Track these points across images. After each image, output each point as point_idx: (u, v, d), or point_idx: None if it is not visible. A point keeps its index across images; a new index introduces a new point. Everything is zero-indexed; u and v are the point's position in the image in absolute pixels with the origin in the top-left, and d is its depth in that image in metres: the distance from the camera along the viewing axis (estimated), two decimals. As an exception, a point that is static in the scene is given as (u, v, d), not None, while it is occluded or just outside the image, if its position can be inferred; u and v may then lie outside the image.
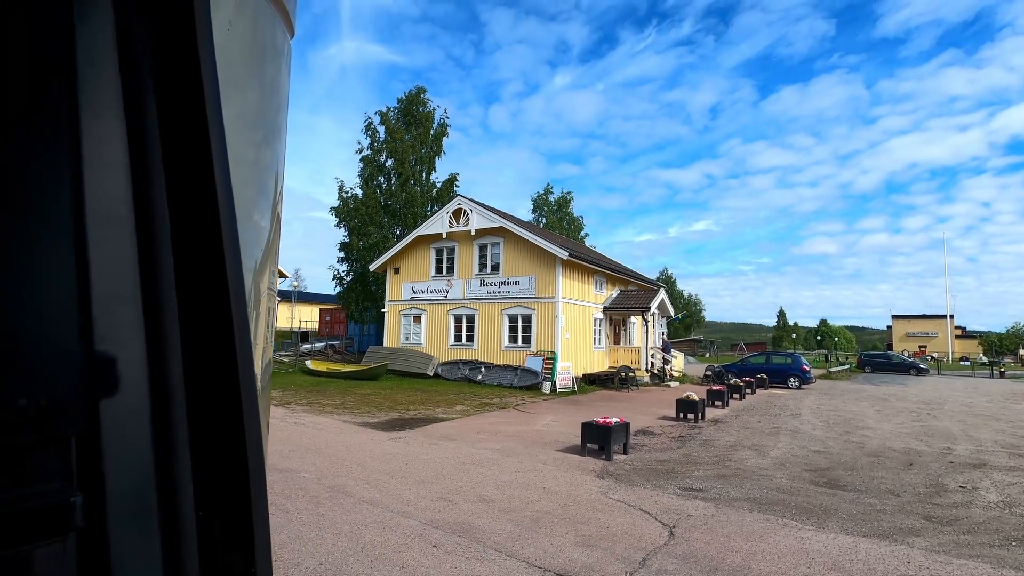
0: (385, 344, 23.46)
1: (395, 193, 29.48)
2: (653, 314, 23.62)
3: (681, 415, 13.00)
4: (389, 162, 30.09)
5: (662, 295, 24.28)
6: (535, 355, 19.35)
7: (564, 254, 19.24)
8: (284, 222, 0.94)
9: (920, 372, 37.64)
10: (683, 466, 8.17)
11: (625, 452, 8.86)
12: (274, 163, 0.83)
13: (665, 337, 25.52)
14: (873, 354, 45.61)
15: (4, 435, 0.46)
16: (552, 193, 49.40)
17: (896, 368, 38.74)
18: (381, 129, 30.43)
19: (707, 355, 65.05)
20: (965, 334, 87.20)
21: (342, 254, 30.46)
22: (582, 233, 48.61)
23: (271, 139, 0.82)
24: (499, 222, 20.60)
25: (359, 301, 29.55)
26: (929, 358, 56.87)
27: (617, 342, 25.00)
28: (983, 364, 51.30)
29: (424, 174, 30.65)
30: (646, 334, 23.71)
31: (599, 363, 22.67)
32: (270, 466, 6.88)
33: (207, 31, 0.56)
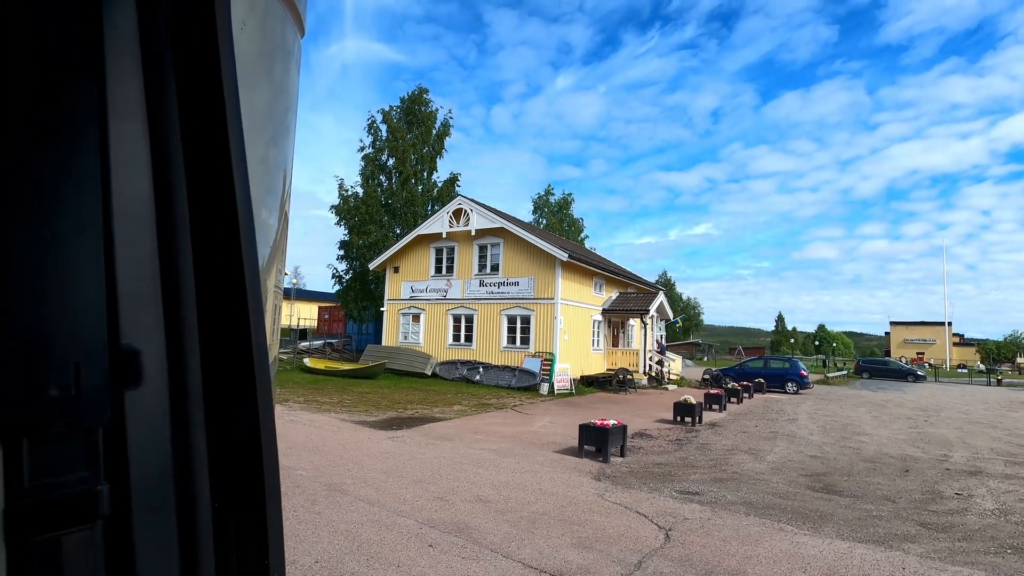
0: (383, 343, 23.45)
1: (396, 192, 29.47)
2: (652, 317, 23.64)
3: (678, 418, 13.01)
4: (390, 161, 30.09)
5: (661, 298, 24.30)
6: (533, 356, 19.35)
7: (564, 255, 19.25)
8: (285, 219, 0.95)
9: (918, 379, 37.67)
10: (680, 469, 8.18)
11: (622, 454, 8.86)
12: (282, 162, 0.84)
13: (660, 339, 25.48)
14: (871, 360, 45.65)
15: (37, 425, 0.47)
16: (553, 194, 49.42)
17: (894, 374, 38.77)
18: (383, 128, 30.44)
19: (705, 359, 65.07)
20: (963, 341, 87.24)
21: (342, 252, 30.44)
22: (582, 235, 48.62)
23: (280, 138, 0.82)
24: (499, 222, 20.60)
25: (358, 299, 29.53)
26: (927, 365, 56.91)
27: (615, 344, 25.01)
28: (980, 372, 51.35)
29: (425, 173, 30.65)
30: (645, 337, 23.72)
31: (597, 365, 22.67)
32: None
33: (227, 34, 0.57)
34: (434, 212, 24.86)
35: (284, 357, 24.07)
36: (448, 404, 14.08)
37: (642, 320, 23.33)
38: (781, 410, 16.97)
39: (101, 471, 0.52)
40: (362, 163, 30.52)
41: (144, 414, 0.55)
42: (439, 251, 22.62)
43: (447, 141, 31.58)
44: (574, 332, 20.73)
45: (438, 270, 22.60)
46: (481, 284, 21.33)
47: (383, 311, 24.05)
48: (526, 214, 51.30)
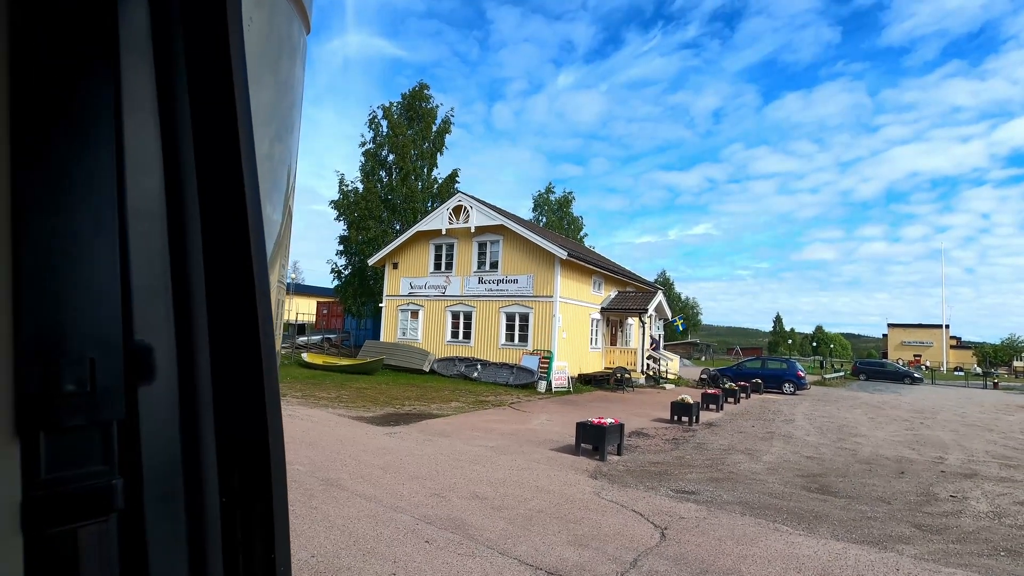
0: (382, 339, 23.46)
1: (396, 188, 29.44)
2: (650, 316, 23.67)
3: (676, 418, 13.04)
4: (391, 157, 30.04)
5: (659, 297, 24.32)
6: (531, 354, 19.37)
7: (563, 254, 19.25)
8: (285, 212, 0.95)
9: (914, 381, 37.75)
10: (676, 468, 8.20)
11: (619, 453, 8.88)
12: (287, 158, 0.84)
13: (654, 336, 25.46)
14: (868, 362, 45.73)
15: (54, 419, 0.48)
16: (553, 192, 49.41)
17: (891, 376, 38.86)
18: (384, 123, 30.39)
19: (703, 358, 65.17)
20: (960, 344, 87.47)
21: (341, 247, 30.41)
22: (581, 233, 48.62)
23: (284, 135, 0.83)
24: (499, 220, 20.60)
25: (357, 295, 29.51)
26: (924, 367, 57.04)
27: (614, 343, 25.03)
28: (977, 375, 51.49)
29: (425, 170, 30.62)
30: (643, 336, 23.75)
31: (595, 364, 22.70)
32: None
33: (238, 31, 0.58)
34: (434, 208, 24.84)
35: (283, 352, 24.01)
36: (446, 401, 14.10)
37: (640, 319, 23.35)
38: (778, 411, 17.01)
39: (116, 465, 0.53)
40: (362, 158, 30.48)
41: (156, 409, 0.55)
42: (438, 248, 22.61)
43: (447, 138, 31.56)
44: (572, 330, 20.75)
45: (437, 267, 22.60)
46: (480, 281, 21.33)
47: (382, 307, 24.06)
48: (526, 212, 51.26)
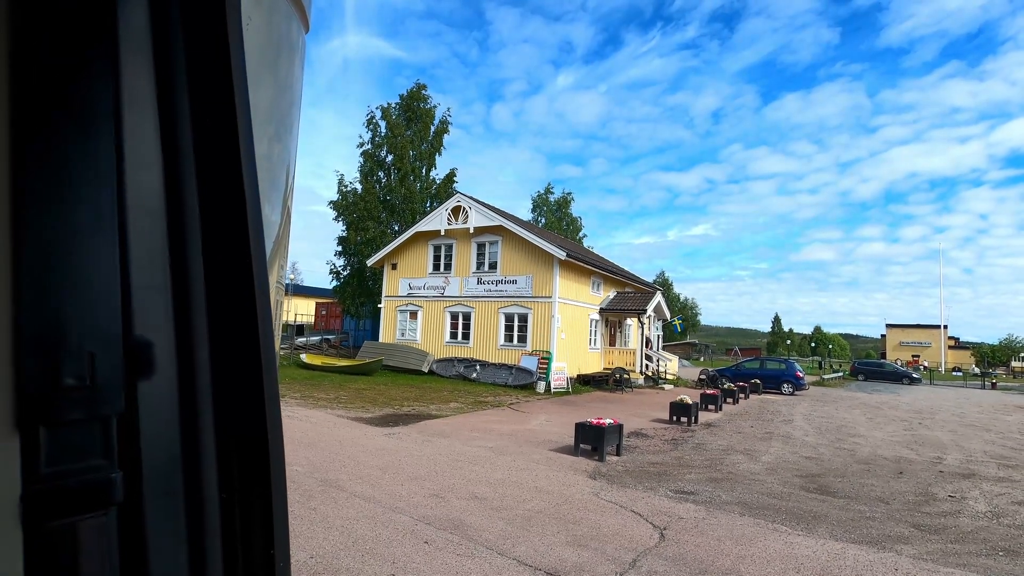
0: (381, 340, 23.44)
1: (394, 188, 29.43)
2: (649, 317, 23.68)
3: (674, 418, 13.04)
4: (389, 157, 30.04)
5: (658, 298, 24.33)
6: (530, 354, 19.37)
7: (562, 254, 19.26)
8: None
9: (913, 381, 37.81)
10: (675, 469, 8.20)
11: (618, 453, 8.88)
12: (286, 158, 0.84)
13: (649, 337, 25.44)
14: (867, 362, 45.79)
15: (54, 413, 0.48)
16: (552, 193, 49.41)
17: (889, 377, 38.90)
18: (383, 124, 30.39)
19: (702, 359, 65.20)
20: (958, 345, 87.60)
21: (340, 248, 30.41)
22: (580, 234, 48.63)
23: (283, 135, 0.83)
24: (498, 220, 20.60)
25: (355, 296, 29.49)
26: (922, 368, 57.11)
27: (613, 344, 25.04)
28: (975, 375, 51.57)
29: (424, 170, 30.62)
30: (642, 336, 23.76)
31: (594, 364, 22.71)
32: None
33: (237, 30, 0.58)
34: (432, 209, 24.84)
35: (281, 352, 24.03)
36: (445, 401, 14.09)
37: (639, 320, 23.36)
38: (777, 411, 17.02)
39: (115, 459, 0.53)
40: (361, 159, 30.47)
41: (155, 405, 0.56)
42: (437, 248, 22.61)
43: (446, 138, 31.56)
44: (571, 331, 20.75)
45: (436, 267, 22.59)
46: (479, 282, 21.33)
47: (380, 308, 24.04)
48: (525, 212, 51.31)
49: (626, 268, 31.69)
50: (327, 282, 32.81)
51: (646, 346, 24.98)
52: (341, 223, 29.81)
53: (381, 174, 30.19)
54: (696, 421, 13.03)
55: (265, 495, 0.62)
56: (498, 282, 20.89)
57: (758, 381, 23.32)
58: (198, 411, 0.59)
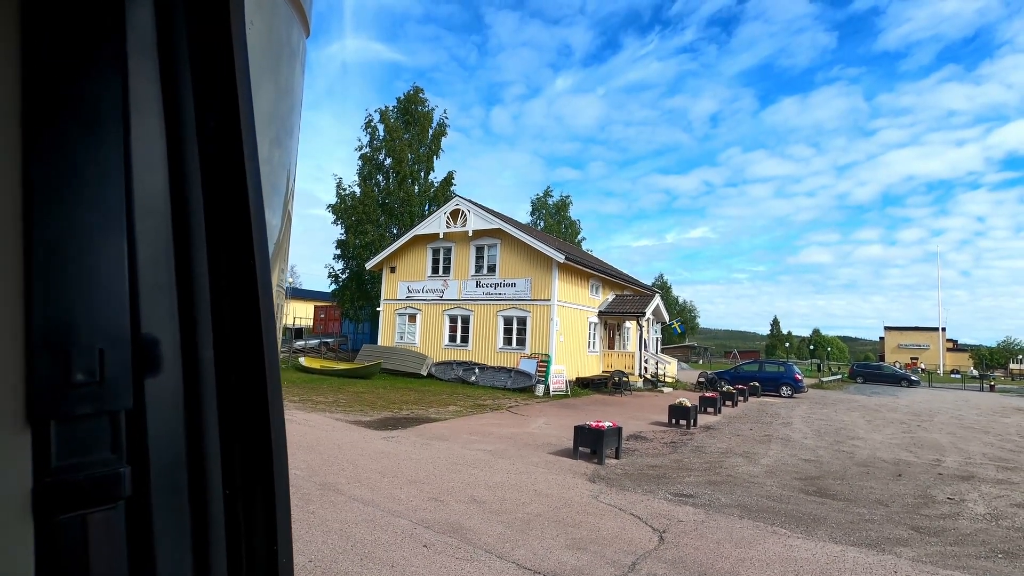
0: (379, 343, 23.41)
1: (393, 191, 29.46)
2: (648, 319, 23.69)
3: (673, 421, 13.04)
4: (388, 160, 30.08)
5: (657, 301, 24.35)
6: (529, 357, 19.36)
7: (561, 257, 19.27)
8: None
9: (911, 384, 37.82)
10: (674, 471, 8.20)
11: (617, 456, 8.88)
12: (286, 162, 0.84)
13: (646, 339, 25.43)
14: (865, 365, 45.83)
15: (64, 408, 0.50)
16: (551, 196, 49.51)
17: (887, 379, 38.92)
18: (381, 127, 30.42)
19: (700, 362, 65.22)
20: (956, 347, 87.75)
21: (338, 251, 30.41)
22: (579, 237, 48.69)
23: (284, 138, 0.83)
24: (496, 223, 20.61)
25: (354, 299, 29.49)
26: (920, 370, 57.19)
27: (611, 346, 25.04)
28: (973, 377, 51.63)
29: (422, 173, 30.66)
30: (640, 339, 23.76)
31: (593, 367, 22.70)
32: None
33: (241, 33, 0.58)
34: (431, 212, 24.85)
35: (280, 356, 23.97)
36: (443, 405, 14.07)
37: (638, 322, 23.37)
38: (776, 414, 17.02)
39: (124, 454, 0.54)
40: (359, 162, 30.52)
41: (161, 401, 0.57)
42: (436, 251, 22.61)
43: (444, 141, 31.61)
44: (570, 334, 20.75)
45: (435, 270, 22.59)
46: (478, 285, 21.33)
47: (379, 311, 24.03)
48: (524, 215, 51.48)
49: (625, 271, 31.74)
50: (326, 285, 32.80)
51: (644, 349, 24.99)
52: (340, 226, 29.84)
53: (380, 177, 30.23)
54: (695, 424, 13.02)
55: (268, 492, 0.63)
56: (497, 285, 20.89)
57: (757, 384, 23.33)
58: (203, 408, 0.60)
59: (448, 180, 31.17)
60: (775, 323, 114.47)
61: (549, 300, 19.65)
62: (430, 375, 20.59)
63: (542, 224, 47.10)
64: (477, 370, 19.76)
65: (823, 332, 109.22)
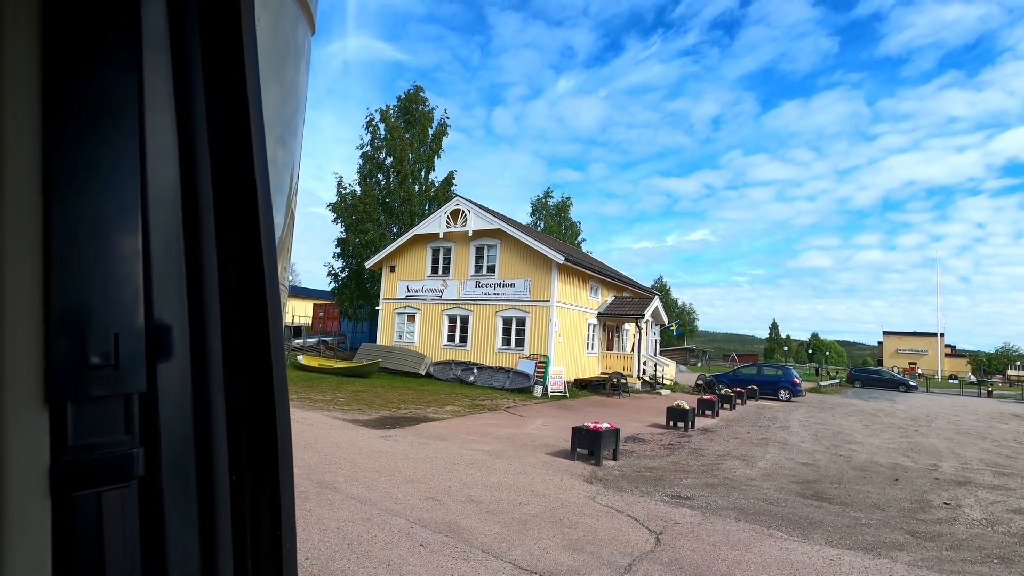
0: (378, 342, 23.40)
1: (393, 191, 29.45)
2: (647, 321, 23.69)
3: (671, 423, 13.04)
4: (388, 160, 30.07)
5: (656, 303, 24.36)
6: (528, 358, 19.36)
7: (560, 258, 19.28)
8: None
9: (909, 389, 37.85)
10: (672, 474, 8.20)
11: (615, 458, 8.88)
12: (290, 161, 0.85)
13: (647, 340, 25.44)
14: (863, 369, 45.84)
15: (80, 390, 0.52)
16: (552, 197, 49.52)
17: (886, 384, 38.95)
18: (382, 126, 30.42)
19: (699, 364, 65.21)
20: (955, 352, 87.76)
21: (338, 250, 30.40)
22: (579, 238, 48.72)
23: (288, 138, 0.84)
24: (497, 224, 20.62)
25: (353, 298, 29.48)
26: (918, 375, 57.22)
27: (610, 348, 25.05)
28: (971, 383, 51.67)
29: (423, 173, 30.66)
30: (639, 341, 23.77)
31: (591, 368, 22.70)
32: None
33: (251, 32, 0.60)
34: (431, 212, 24.84)
35: (278, 354, 23.94)
36: (441, 404, 14.07)
37: (637, 324, 23.38)
38: (773, 417, 17.03)
39: (137, 435, 0.56)
40: (360, 161, 30.51)
41: (172, 387, 0.59)
42: (436, 251, 22.61)
43: (445, 141, 31.62)
44: (569, 335, 20.76)
45: (434, 270, 22.59)
46: (477, 285, 21.33)
47: (378, 310, 24.02)
48: (525, 216, 51.44)
49: (624, 273, 31.76)
50: (325, 284, 32.84)
51: (643, 350, 24.99)
52: (340, 225, 29.83)
53: (380, 176, 30.23)
54: (693, 426, 13.03)
55: (273, 478, 0.66)
56: (496, 285, 20.89)
57: (755, 387, 23.35)
58: (210, 395, 0.63)
59: (449, 180, 31.17)
60: (774, 327, 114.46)
61: (548, 301, 19.66)
62: (428, 375, 20.58)
63: (542, 225, 47.10)
64: (475, 370, 19.76)
65: (822, 336, 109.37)
